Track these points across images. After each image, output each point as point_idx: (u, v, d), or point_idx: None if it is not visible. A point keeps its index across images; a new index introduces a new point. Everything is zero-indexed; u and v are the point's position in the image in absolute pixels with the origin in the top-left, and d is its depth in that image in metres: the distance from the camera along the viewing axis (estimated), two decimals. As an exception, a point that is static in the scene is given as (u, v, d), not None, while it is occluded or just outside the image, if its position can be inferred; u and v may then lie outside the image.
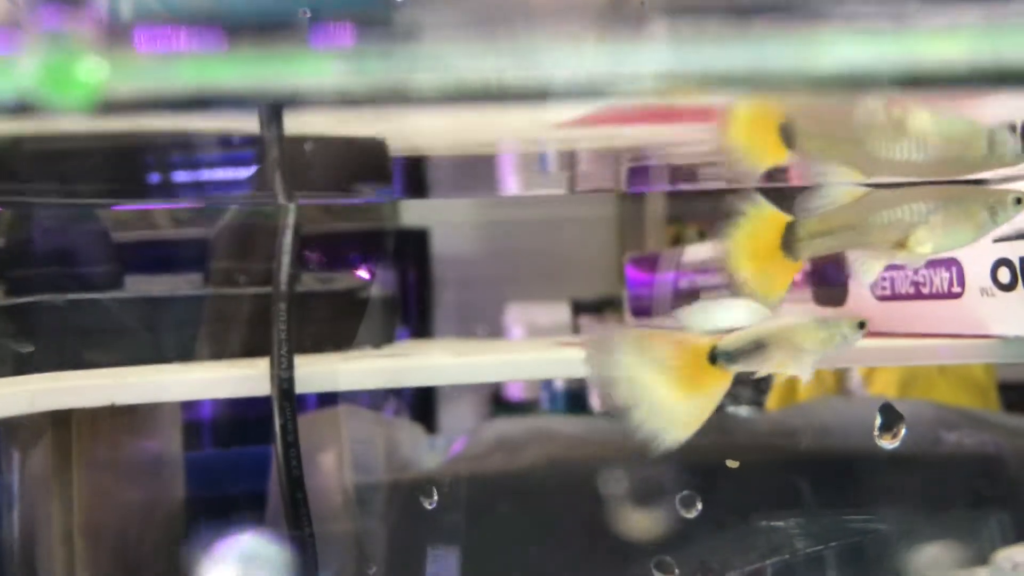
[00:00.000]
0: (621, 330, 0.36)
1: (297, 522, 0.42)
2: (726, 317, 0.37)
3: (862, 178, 0.38)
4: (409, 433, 0.77)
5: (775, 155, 0.39)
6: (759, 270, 0.39)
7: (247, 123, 0.43)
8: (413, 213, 1.88)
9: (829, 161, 0.38)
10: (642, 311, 0.79)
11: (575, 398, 1.69)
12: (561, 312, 1.71)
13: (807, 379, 0.37)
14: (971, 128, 0.37)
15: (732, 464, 0.45)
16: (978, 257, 0.45)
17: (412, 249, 1.81)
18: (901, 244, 0.37)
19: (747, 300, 0.38)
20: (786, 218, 0.39)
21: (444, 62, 0.35)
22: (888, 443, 0.44)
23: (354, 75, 0.35)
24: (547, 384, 1.73)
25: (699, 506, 0.47)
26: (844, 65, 0.36)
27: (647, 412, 0.36)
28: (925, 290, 0.49)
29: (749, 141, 0.38)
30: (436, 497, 0.56)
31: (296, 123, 0.46)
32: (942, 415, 0.68)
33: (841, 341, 0.38)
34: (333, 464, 0.66)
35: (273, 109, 0.41)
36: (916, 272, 0.49)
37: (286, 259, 0.44)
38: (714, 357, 0.36)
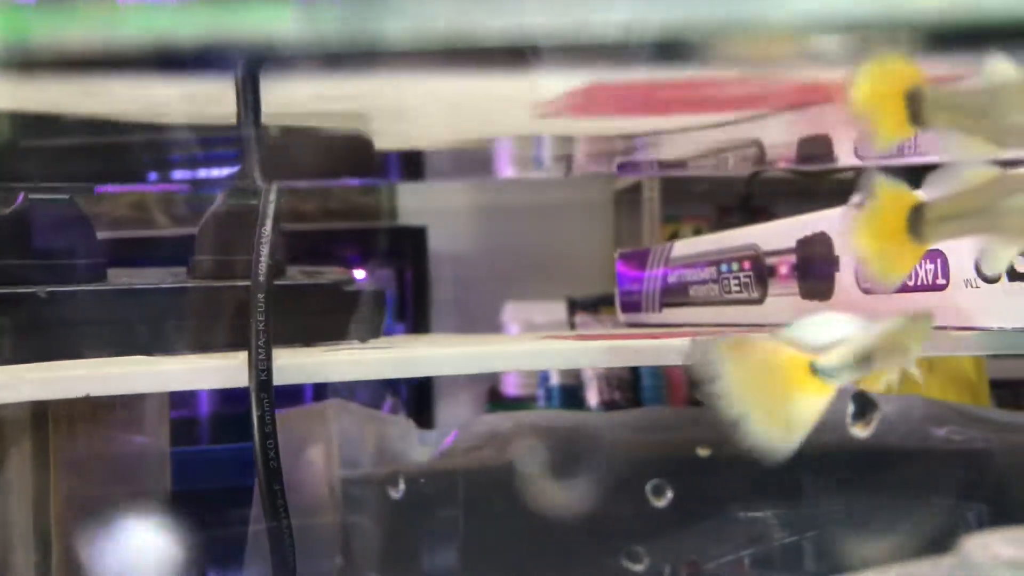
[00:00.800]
0: (723, 337, 0.35)
1: (275, 514, 0.41)
2: (830, 334, 0.35)
3: (994, 153, 0.35)
4: (400, 428, 0.77)
5: (901, 128, 0.36)
6: (883, 251, 0.37)
7: (223, 100, 0.42)
8: (411, 211, 1.88)
9: (958, 134, 0.35)
10: (632, 306, 0.79)
11: (570, 393, 1.70)
12: (557, 310, 1.71)
13: (917, 374, 0.36)
14: None
15: (704, 452, 0.45)
16: (962, 248, 0.45)
17: (410, 247, 1.81)
18: None
19: (849, 317, 0.36)
20: (915, 199, 0.37)
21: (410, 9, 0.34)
22: (861, 431, 0.43)
23: (315, 24, 0.34)
24: (543, 380, 1.73)
25: (670, 496, 0.47)
26: (806, 14, 0.35)
27: (750, 421, 0.34)
28: (910, 282, 0.48)
29: (873, 112, 0.35)
30: (403, 487, 0.56)
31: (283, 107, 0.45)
32: (932, 410, 0.68)
33: (928, 330, 0.36)
34: (320, 458, 0.66)
35: (248, 76, 0.40)
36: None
37: (265, 249, 0.43)
38: (815, 371, 0.35)
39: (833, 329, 0.36)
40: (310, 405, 0.71)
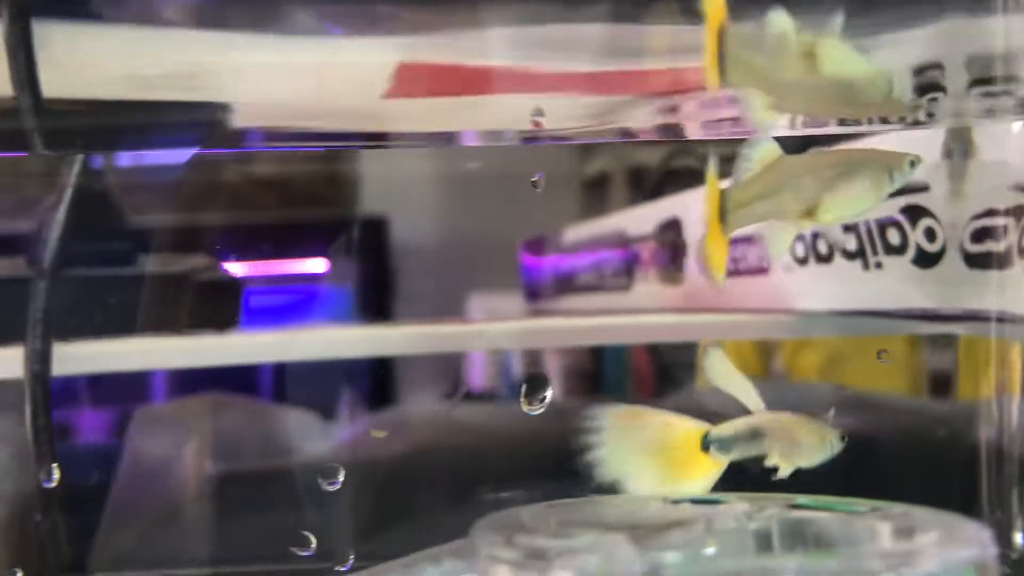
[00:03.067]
0: (612, 409, 0.35)
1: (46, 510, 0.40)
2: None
3: (778, 111, 0.35)
4: (296, 421, 0.75)
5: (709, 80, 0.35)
6: (705, 242, 0.37)
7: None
8: (373, 201, 1.86)
9: (750, 90, 0.35)
10: (535, 295, 0.78)
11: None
12: (520, 301, 1.70)
13: (786, 475, 0.35)
14: (875, 69, 0.34)
15: (378, 434, 0.44)
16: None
17: (372, 238, 1.79)
18: (809, 213, 0.35)
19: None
20: (719, 189, 0.36)
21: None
22: (532, 410, 0.42)
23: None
24: (506, 374, 1.72)
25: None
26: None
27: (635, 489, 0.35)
28: (742, 266, 0.47)
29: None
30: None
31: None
32: (831, 398, 0.67)
33: (829, 448, 0.36)
34: (192, 453, 0.65)
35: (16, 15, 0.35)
36: (735, 248, 0.47)
37: (54, 232, 0.42)
38: (707, 445, 0.35)
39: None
40: (188, 399, 0.70)
